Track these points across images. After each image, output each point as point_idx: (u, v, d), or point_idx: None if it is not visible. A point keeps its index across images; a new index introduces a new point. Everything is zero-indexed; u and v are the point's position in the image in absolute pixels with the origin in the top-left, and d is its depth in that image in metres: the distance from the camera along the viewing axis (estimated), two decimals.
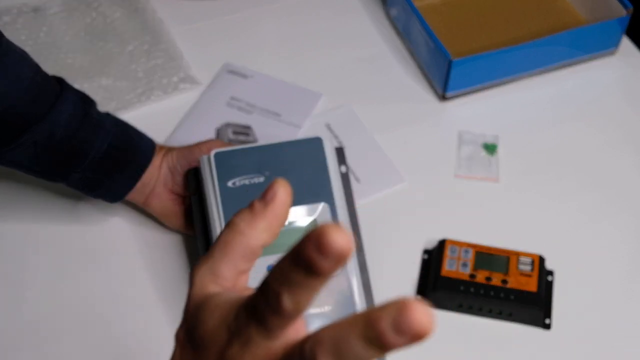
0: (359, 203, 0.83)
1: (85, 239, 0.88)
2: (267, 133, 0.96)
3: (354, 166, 0.95)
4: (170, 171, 0.84)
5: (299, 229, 0.73)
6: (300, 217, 0.74)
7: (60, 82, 0.80)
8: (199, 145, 0.84)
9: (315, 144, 0.78)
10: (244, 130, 0.96)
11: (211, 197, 0.75)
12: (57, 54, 1.04)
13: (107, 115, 0.82)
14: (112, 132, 0.80)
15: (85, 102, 0.80)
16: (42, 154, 0.77)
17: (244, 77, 1.03)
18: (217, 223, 0.74)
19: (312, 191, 0.75)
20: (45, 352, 0.79)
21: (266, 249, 0.67)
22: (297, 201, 0.71)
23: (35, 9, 1.09)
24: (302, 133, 0.98)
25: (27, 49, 1.05)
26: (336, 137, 0.97)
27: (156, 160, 0.83)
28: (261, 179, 0.75)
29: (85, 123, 0.79)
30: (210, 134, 0.96)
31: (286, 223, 0.67)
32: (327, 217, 0.75)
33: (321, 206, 0.76)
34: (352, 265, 0.74)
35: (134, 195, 0.84)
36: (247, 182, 0.75)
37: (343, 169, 0.80)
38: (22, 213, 0.89)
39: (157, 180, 0.84)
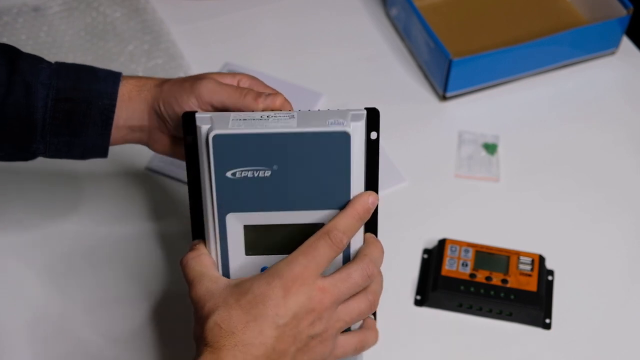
0: None
1: (87, 238, 0.88)
2: None
3: None
4: (160, 118, 0.73)
5: (301, 230, 0.65)
6: (308, 219, 0.65)
7: None
8: (189, 90, 0.71)
9: (340, 139, 0.63)
10: None
11: (206, 185, 0.64)
12: (57, 54, 1.04)
13: (46, 66, 0.73)
14: (53, 85, 0.71)
15: (12, 59, 0.72)
16: None
17: None
18: (210, 216, 0.65)
19: (327, 193, 0.64)
20: (46, 352, 0.79)
21: (261, 250, 0.67)
22: (307, 204, 0.65)
23: (35, 9, 1.09)
24: None
25: (27, 48, 1.06)
26: None
27: (139, 104, 0.73)
28: (267, 173, 0.63)
29: (15, 85, 0.71)
30: None
31: (291, 222, 0.65)
32: None
33: (331, 214, 0.65)
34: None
35: (129, 138, 0.75)
36: (249, 174, 0.63)
37: (373, 135, 0.65)
38: (23, 212, 0.89)
39: (151, 127, 0.74)
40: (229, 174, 0.63)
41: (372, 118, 0.65)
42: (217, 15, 1.12)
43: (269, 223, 0.65)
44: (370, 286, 0.66)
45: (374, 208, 0.65)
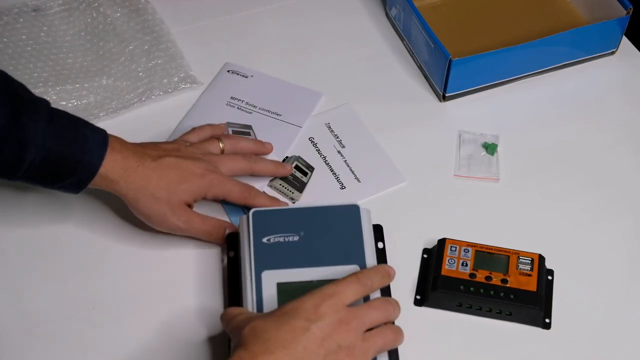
0: (359, 203, 0.83)
1: (90, 237, 0.88)
2: (268, 133, 0.96)
3: (354, 166, 0.95)
4: (170, 204, 0.82)
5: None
6: (331, 277, 0.76)
7: None
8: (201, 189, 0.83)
9: (352, 210, 0.80)
10: (245, 130, 0.96)
11: (245, 250, 0.78)
12: (57, 54, 1.04)
13: (44, 119, 0.77)
14: (45, 146, 0.76)
15: (15, 110, 0.75)
16: None
17: (244, 77, 1.03)
18: (248, 274, 0.76)
19: (345, 254, 0.78)
20: (48, 352, 0.79)
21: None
22: (329, 262, 0.77)
23: (35, 9, 1.09)
24: (303, 133, 0.98)
25: (28, 48, 1.06)
26: (336, 136, 0.97)
27: (122, 189, 0.81)
28: (296, 238, 0.78)
29: (11, 139, 0.75)
30: None
31: (316, 279, 0.75)
32: None
33: (352, 269, 0.77)
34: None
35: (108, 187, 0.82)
36: (281, 239, 0.78)
37: (380, 245, 0.84)
38: (23, 213, 0.89)
39: (141, 200, 0.82)
40: (264, 240, 0.78)
41: (378, 232, 0.85)
42: (217, 15, 1.12)
43: (298, 280, 0.76)
44: (394, 324, 0.74)
45: (393, 277, 0.77)
